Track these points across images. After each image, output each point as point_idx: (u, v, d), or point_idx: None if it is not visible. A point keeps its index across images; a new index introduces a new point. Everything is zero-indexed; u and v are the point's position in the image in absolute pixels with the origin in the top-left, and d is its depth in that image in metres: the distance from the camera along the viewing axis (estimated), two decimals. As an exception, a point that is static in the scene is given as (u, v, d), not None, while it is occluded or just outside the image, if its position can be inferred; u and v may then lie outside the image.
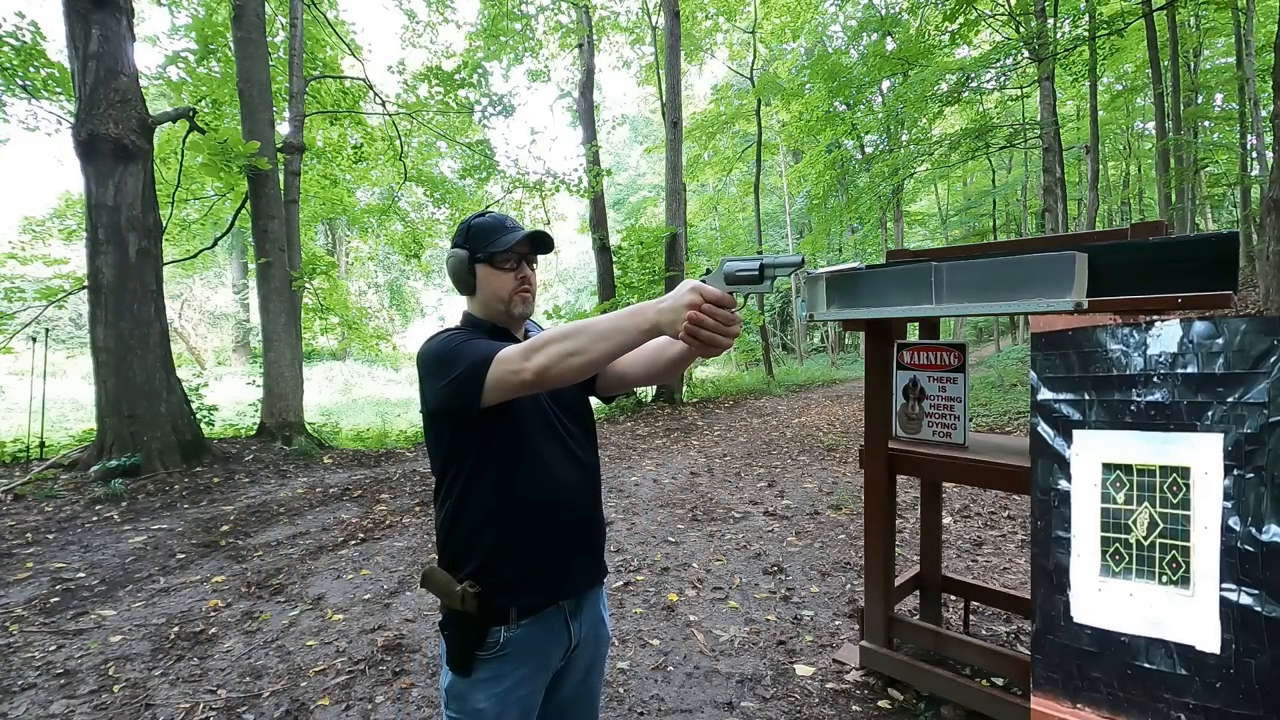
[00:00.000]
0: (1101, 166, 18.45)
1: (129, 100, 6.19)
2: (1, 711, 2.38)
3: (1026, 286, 1.66)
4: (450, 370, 1.10)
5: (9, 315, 7.51)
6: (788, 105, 18.98)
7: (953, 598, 2.94)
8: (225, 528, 4.64)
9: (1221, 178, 16.76)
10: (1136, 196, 21.63)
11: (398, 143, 12.03)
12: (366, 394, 19.28)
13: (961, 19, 12.02)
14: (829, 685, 2.44)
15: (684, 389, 13.33)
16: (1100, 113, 15.09)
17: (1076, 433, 1.15)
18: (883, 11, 17.87)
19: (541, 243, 1.26)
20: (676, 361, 1.26)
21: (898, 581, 2.55)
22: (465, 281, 1.26)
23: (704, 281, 1.02)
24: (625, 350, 1.02)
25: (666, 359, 1.26)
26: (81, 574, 3.77)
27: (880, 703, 2.30)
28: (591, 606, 1.31)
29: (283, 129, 8.82)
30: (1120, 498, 1.09)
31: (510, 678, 1.17)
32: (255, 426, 8.07)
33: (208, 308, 25.18)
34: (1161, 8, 11.20)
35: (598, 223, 13.32)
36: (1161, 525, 1.05)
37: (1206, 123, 15.85)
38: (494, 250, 1.22)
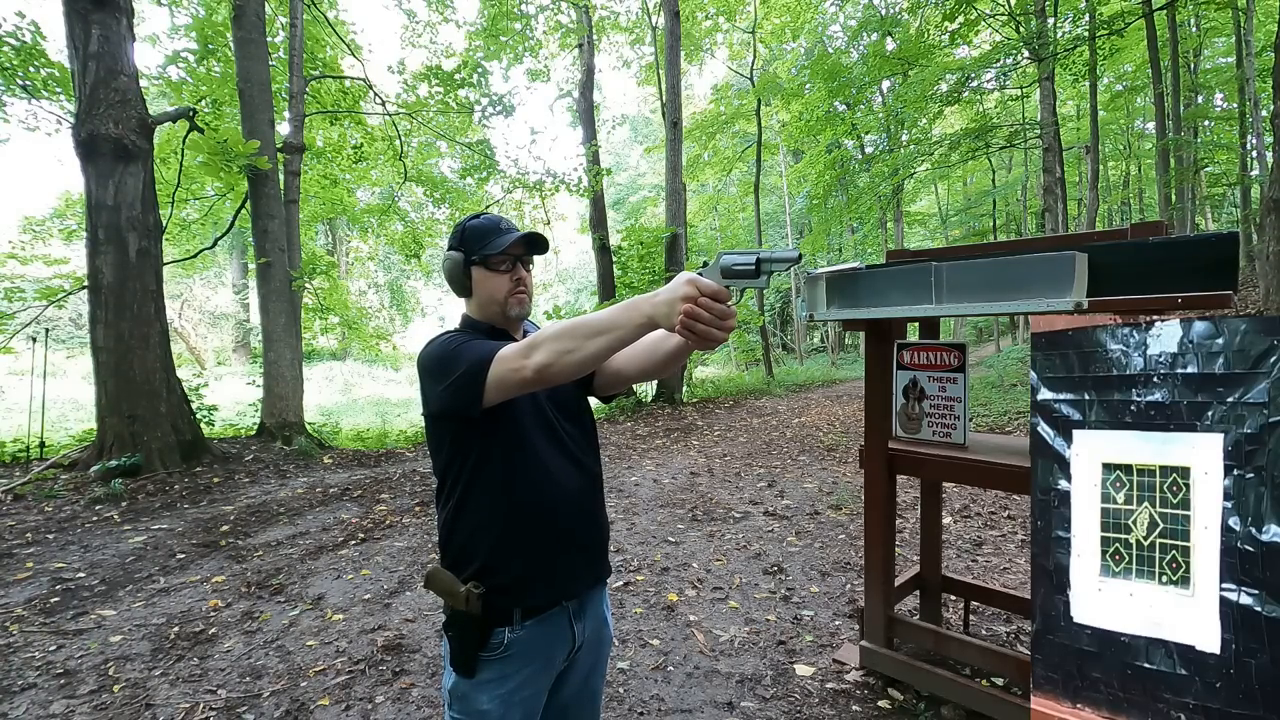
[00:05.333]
0: (1101, 166, 18.45)
1: (129, 100, 6.19)
2: (1, 711, 2.38)
3: (1026, 286, 1.66)
4: (450, 372, 1.10)
5: (9, 315, 7.51)
6: (788, 105, 18.98)
7: (953, 598, 2.94)
8: (225, 528, 4.64)
9: (1221, 178, 16.76)
10: (1136, 196, 21.63)
11: (398, 143, 12.04)
12: (366, 394, 19.28)
13: (961, 19, 12.02)
14: (829, 685, 2.44)
15: (684, 389, 13.33)
16: (1100, 113, 15.09)
17: (1076, 433, 1.16)
18: (883, 11, 17.87)
19: (536, 244, 1.26)
20: (672, 356, 1.25)
21: (898, 581, 2.55)
22: (461, 284, 1.27)
23: (700, 274, 1.01)
24: (623, 344, 1.02)
25: (662, 354, 1.26)
26: (81, 574, 3.77)
27: (880, 703, 2.30)
28: (595, 607, 1.31)
29: (283, 129, 8.82)
30: (1120, 498, 1.09)
31: (514, 679, 1.17)
32: (255, 426, 8.07)
33: (208, 308, 25.17)
34: (1161, 8, 11.20)
35: (598, 223, 13.33)
36: (1161, 525, 1.05)
37: (1206, 123, 15.86)
38: (488, 252, 1.22)
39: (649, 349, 1.27)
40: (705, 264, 1.05)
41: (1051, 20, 11.85)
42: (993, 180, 20.68)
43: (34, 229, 10.16)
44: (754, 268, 0.98)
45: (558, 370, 1.02)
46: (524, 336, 1.34)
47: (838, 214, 19.57)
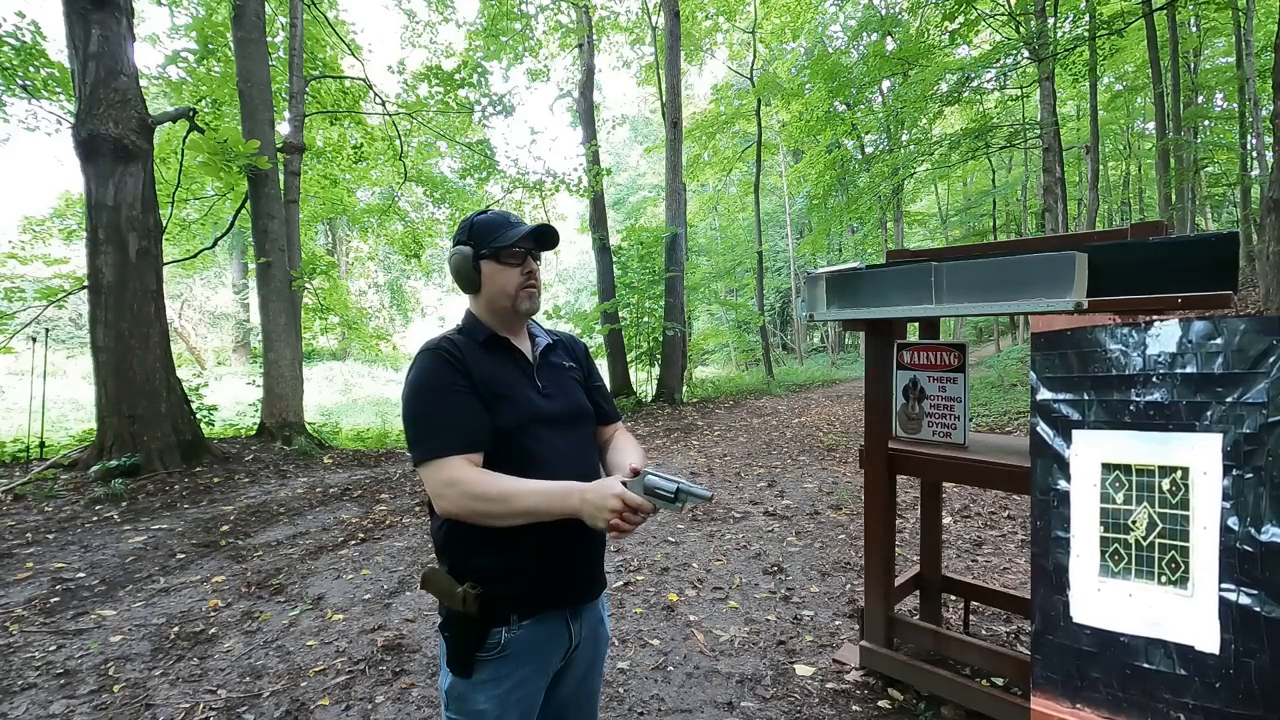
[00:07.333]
0: (1101, 166, 18.44)
1: (129, 100, 6.18)
2: (1, 711, 2.38)
3: (1026, 286, 1.66)
4: (407, 427, 1.17)
5: (9, 315, 7.50)
6: (788, 105, 18.99)
7: (953, 598, 2.94)
8: (225, 528, 4.64)
9: (1221, 178, 16.76)
10: (1136, 196, 21.63)
11: (398, 143, 12.04)
12: (366, 394, 19.29)
13: (961, 19, 12.03)
14: (829, 685, 2.44)
15: (684, 389, 13.33)
16: (1100, 113, 15.08)
17: (1076, 433, 1.16)
18: (883, 11, 17.88)
19: (547, 237, 1.26)
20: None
21: (898, 581, 2.55)
22: (470, 279, 1.25)
23: (626, 485, 1.10)
24: (537, 521, 1.11)
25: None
26: (81, 574, 3.77)
27: (880, 703, 2.30)
28: (591, 608, 1.31)
29: (283, 129, 8.81)
30: (1119, 498, 1.09)
31: (511, 679, 1.16)
32: (255, 426, 8.07)
33: (208, 308, 25.17)
34: (1161, 8, 11.20)
35: (598, 223, 13.33)
36: (1161, 525, 1.05)
37: (1206, 123, 15.85)
38: (499, 245, 1.22)
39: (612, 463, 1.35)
40: (635, 473, 1.14)
41: (1051, 20, 11.84)
42: (993, 180, 20.68)
43: (34, 229, 10.15)
44: (673, 496, 1.09)
45: (465, 521, 1.12)
46: (529, 338, 1.33)
47: (838, 214, 19.57)
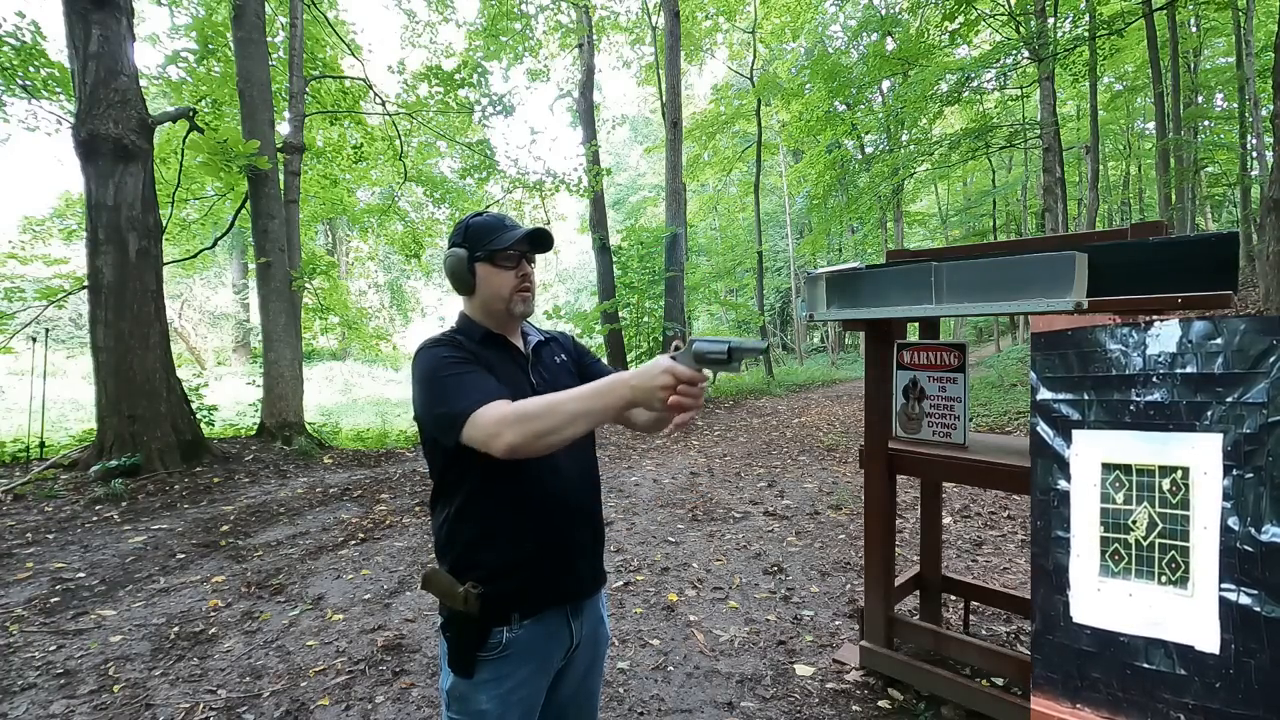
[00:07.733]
0: (1101, 166, 18.44)
1: (129, 100, 6.18)
2: (1, 711, 2.38)
3: (1026, 286, 1.66)
4: (434, 405, 1.12)
5: (9, 315, 7.50)
6: (788, 105, 18.99)
7: (953, 598, 2.94)
8: (225, 528, 4.64)
9: (1221, 178, 16.76)
10: (1136, 196, 21.63)
11: (398, 143, 12.03)
12: (366, 394, 19.28)
13: (961, 19, 12.03)
14: (829, 685, 2.44)
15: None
16: (1100, 113, 15.09)
17: (1076, 432, 1.16)
18: (883, 11, 17.88)
19: (542, 240, 1.26)
20: (642, 427, 1.35)
21: (898, 581, 2.55)
22: (464, 281, 1.25)
23: (675, 359, 1.05)
24: (599, 425, 1.07)
25: (637, 424, 1.35)
26: (81, 574, 3.77)
27: (880, 703, 2.30)
28: (592, 607, 1.31)
29: (283, 129, 8.81)
30: (1120, 498, 1.09)
31: (512, 678, 1.17)
32: (255, 426, 8.07)
33: (208, 308, 25.16)
34: (1161, 8, 11.20)
35: (598, 223, 13.33)
36: (1161, 525, 1.05)
37: (1206, 123, 15.85)
38: (494, 248, 1.22)
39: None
40: (678, 348, 1.09)
41: (1051, 20, 11.85)
42: (993, 180, 20.67)
43: (34, 229, 10.14)
44: (726, 355, 1.03)
45: (530, 451, 1.04)
46: (522, 339, 1.34)
47: (838, 214, 19.56)
